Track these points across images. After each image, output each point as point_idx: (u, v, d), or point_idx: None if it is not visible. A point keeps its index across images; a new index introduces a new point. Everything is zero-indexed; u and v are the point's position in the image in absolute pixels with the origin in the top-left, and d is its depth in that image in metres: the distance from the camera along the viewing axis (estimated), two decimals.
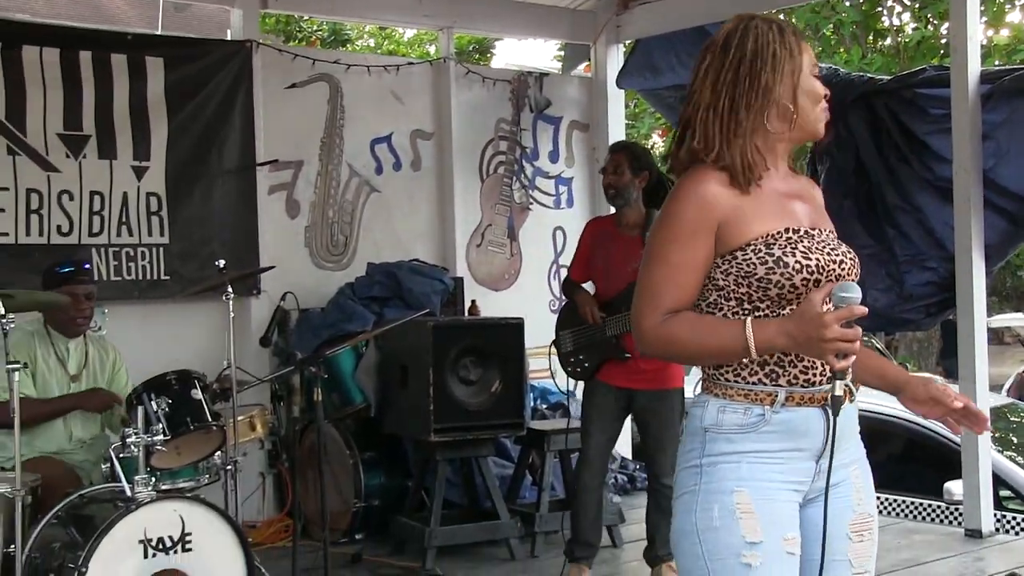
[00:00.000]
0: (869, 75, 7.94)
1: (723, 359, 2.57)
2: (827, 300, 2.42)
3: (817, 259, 2.54)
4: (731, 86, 2.60)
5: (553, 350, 6.06)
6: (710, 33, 7.91)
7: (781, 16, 15.42)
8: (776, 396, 2.54)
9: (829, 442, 2.49)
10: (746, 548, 2.50)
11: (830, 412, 2.49)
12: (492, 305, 7.88)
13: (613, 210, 5.94)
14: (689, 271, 2.58)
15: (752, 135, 2.60)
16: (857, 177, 7.38)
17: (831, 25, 15.88)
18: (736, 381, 2.57)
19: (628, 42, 8.71)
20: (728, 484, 2.53)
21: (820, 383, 2.56)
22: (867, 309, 2.44)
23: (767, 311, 2.56)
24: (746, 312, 2.56)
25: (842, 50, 15.88)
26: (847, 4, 15.52)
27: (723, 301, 2.59)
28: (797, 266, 2.51)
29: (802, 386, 2.55)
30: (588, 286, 5.93)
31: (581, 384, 5.97)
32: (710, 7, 7.73)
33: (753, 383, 2.56)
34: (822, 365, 2.54)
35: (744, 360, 2.55)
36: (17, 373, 4.45)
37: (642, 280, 2.64)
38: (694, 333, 2.55)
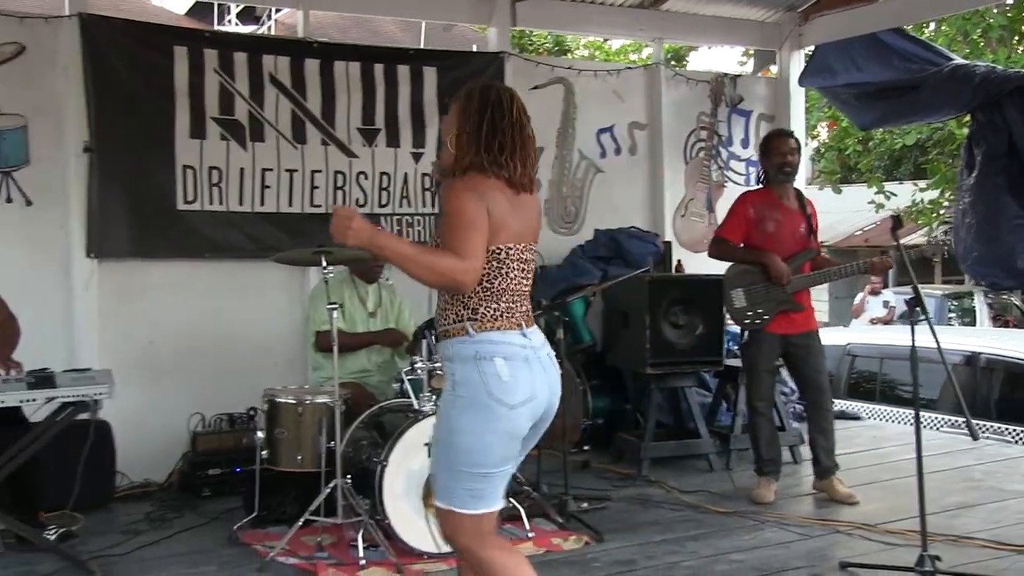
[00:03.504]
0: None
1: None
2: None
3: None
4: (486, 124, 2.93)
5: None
6: (879, 39, 7.68)
7: (932, 25, 14.73)
8: None
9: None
10: None
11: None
12: (693, 264, 7.76)
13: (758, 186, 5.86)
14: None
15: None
16: (1010, 158, 6.94)
17: (979, 30, 15.00)
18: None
19: (808, 48, 8.43)
20: None
21: None
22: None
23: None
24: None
25: (988, 52, 14.97)
26: (995, 11, 14.61)
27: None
28: None
29: None
30: None
31: None
32: (877, 18, 7.59)
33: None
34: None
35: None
36: (335, 312, 4.69)
37: (455, 242, 2.84)
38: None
